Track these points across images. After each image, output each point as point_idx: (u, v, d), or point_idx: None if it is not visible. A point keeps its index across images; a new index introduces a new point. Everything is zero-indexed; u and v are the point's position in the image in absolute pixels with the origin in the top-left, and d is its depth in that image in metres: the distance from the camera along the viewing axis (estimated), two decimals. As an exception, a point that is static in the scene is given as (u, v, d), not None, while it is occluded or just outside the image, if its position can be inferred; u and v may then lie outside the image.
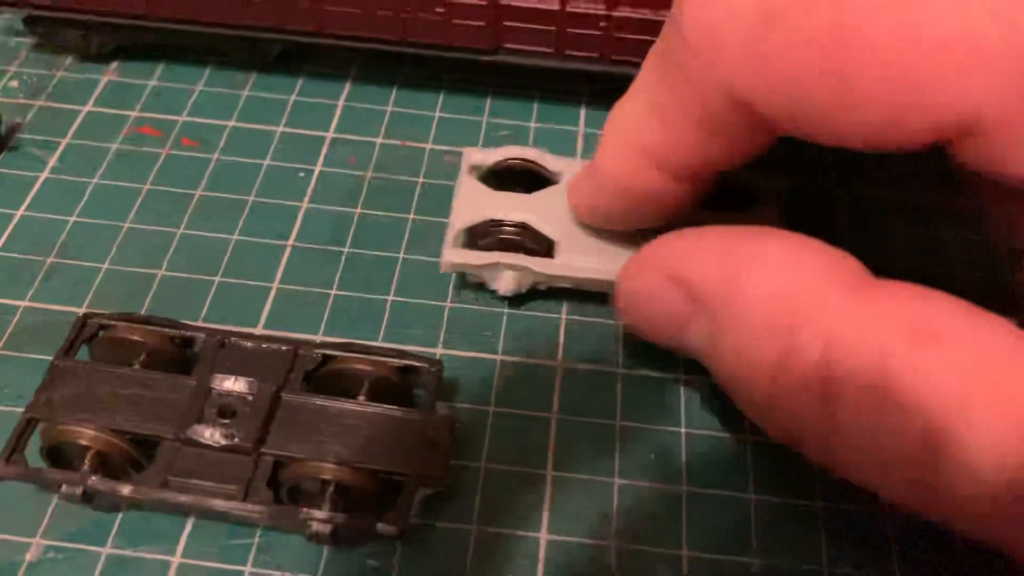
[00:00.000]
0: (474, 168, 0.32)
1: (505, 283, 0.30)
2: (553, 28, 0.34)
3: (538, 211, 0.31)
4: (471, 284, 0.31)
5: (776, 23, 0.20)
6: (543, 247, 0.30)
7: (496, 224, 0.31)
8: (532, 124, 0.37)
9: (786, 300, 0.22)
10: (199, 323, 0.30)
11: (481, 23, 0.34)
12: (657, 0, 0.33)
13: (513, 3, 0.34)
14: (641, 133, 0.25)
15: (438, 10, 0.34)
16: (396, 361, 0.27)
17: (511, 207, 0.31)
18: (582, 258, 0.30)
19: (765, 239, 0.23)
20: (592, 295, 0.30)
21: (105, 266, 0.31)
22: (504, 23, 0.34)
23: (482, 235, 0.31)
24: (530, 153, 0.32)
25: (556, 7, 0.34)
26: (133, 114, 0.36)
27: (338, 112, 0.37)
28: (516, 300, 0.31)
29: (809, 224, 0.25)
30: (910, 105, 0.19)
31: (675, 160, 0.25)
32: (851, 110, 0.20)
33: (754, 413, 0.24)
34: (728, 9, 0.21)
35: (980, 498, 0.19)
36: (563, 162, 0.32)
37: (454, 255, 0.30)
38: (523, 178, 0.32)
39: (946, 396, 0.19)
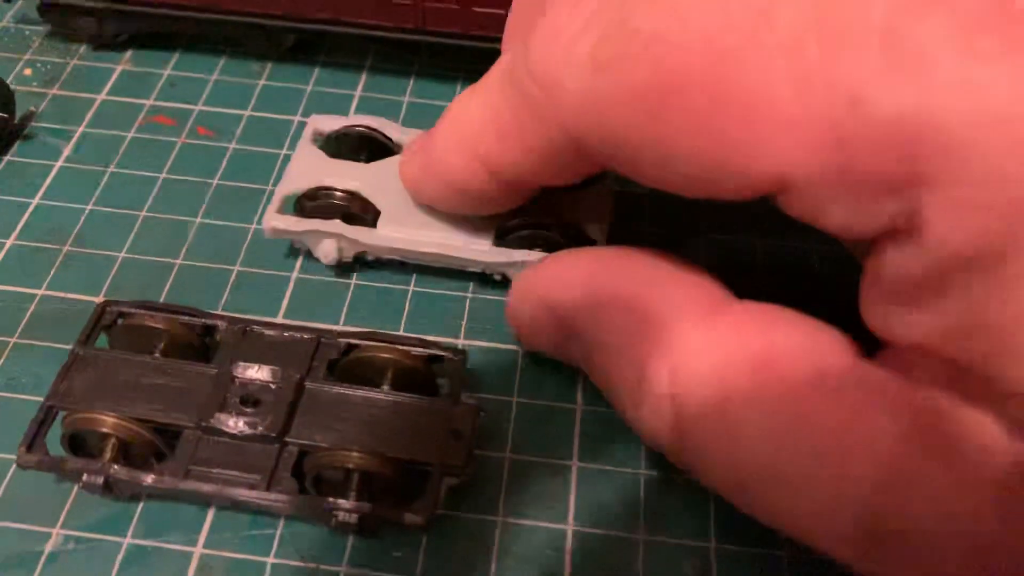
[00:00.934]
0: (317, 135, 0.32)
1: (325, 251, 0.30)
2: (573, 17, 0.34)
3: (370, 180, 0.30)
4: (300, 252, 0.31)
5: (604, 74, 0.21)
6: (372, 217, 0.30)
7: (326, 191, 0.30)
8: (550, 114, 0.37)
9: (638, 332, 0.23)
10: (219, 312, 0.29)
11: (500, 11, 0.34)
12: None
13: (533, -9, 0.33)
14: (480, 139, 0.26)
15: (457, -5, 0.34)
16: (420, 350, 0.27)
17: (343, 175, 0.31)
18: (403, 229, 0.29)
19: (623, 267, 0.24)
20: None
21: (122, 255, 0.31)
22: (524, 11, 0.34)
23: (312, 202, 0.30)
24: (373, 121, 0.32)
25: (577, -5, 0.33)
26: (148, 103, 0.36)
27: (355, 102, 0.37)
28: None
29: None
30: (720, 165, 0.20)
31: (507, 173, 0.26)
32: (668, 163, 0.21)
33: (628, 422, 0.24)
34: (567, 55, 0.22)
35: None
36: (406, 132, 0.32)
37: (274, 219, 0.30)
38: (369, 148, 0.32)
39: (778, 431, 0.20)
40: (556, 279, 0.26)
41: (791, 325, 0.22)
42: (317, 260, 0.31)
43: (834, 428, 0.20)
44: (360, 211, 0.30)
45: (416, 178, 0.29)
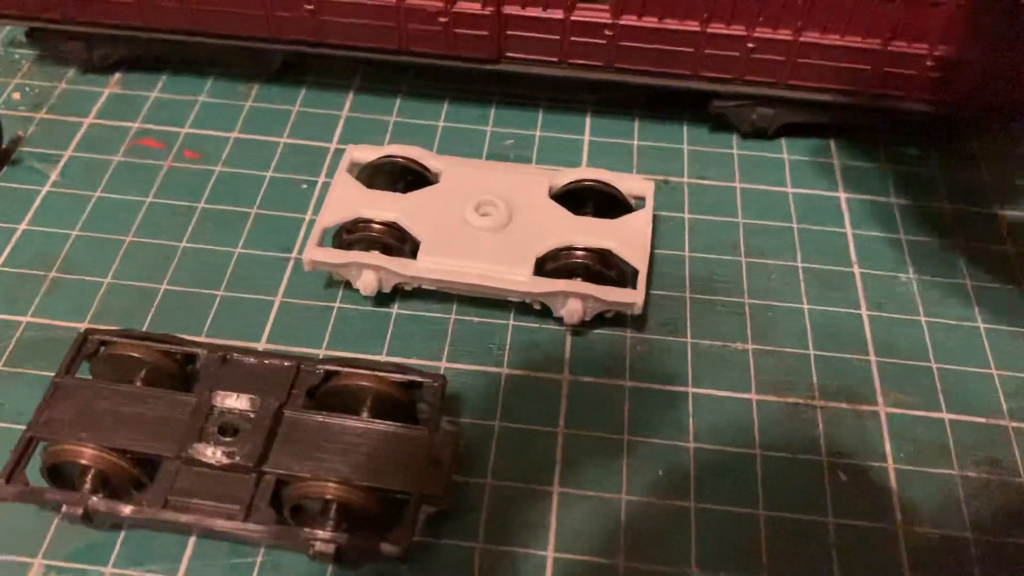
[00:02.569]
0: (354, 165, 0.32)
1: (365, 283, 0.30)
2: (557, 37, 0.34)
3: (409, 211, 0.30)
4: (338, 283, 0.31)
5: None
6: (411, 248, 0.30)
7: (365, 223, 0.30)
8: (537, 133, 0.37)
9: None
10: (201, 338, 0.29)
11: (484, 33, 0.34)
12: (662, 8, 0.33)
13: (517, 12, 0.33)
14: None
15: (441, 20, 0.34)
16: (399, 377, 0.27)
17: (382, 206, 0.31)
18: (443, 260, 0.29)
19: None
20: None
21: (107, 280, 0.31)
22: (507, 32, 0.34)
23: (351, 234, 0.30)
24: (412, 152, 0.32)
25: (560, 16, 0.33)
26: (135, 126, 0.36)
27: (341, 123, 0.37)
28: (522, 312, 0.30)
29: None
30: None
31: None
32: None
33: None
34: None
35: None
36: (444, 161, 0.32)
37: (314, 253, 0.30)
38: (407, 178, 0.32)
39: None
40: None
41: None
42: (302, 283, 0.31)
43: None
44: (399, 242, 0.30)
45: None
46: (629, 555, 0.25)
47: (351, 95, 0.38)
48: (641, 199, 0.32)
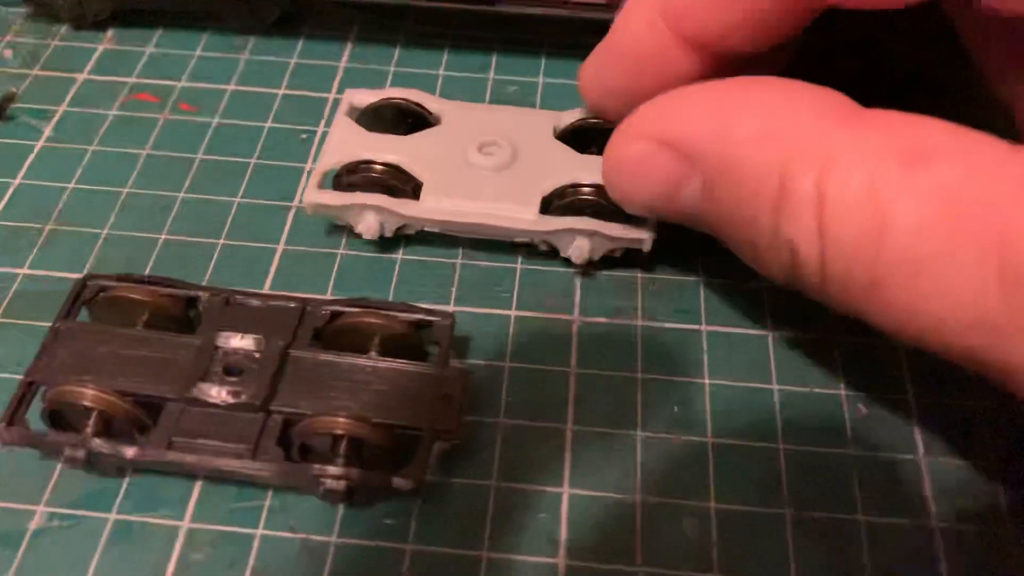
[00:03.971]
0: (353, 109, 0.32)
1: (367, 226, 0.29)
2: (560, -24, 0.33)
3: (410, 152, 0.30)
4: (340, 230, 0.30)
5: None
6: (413, 190, 0.29)
7: (366, 165, 0.30)
8: (540, 79, 0.36)
9: (777, 137, 0.21)
10: (202, 284, 0.29)
11: (486, -27, 0.33)
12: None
13: (517, -49, 0.33)
14: None
15: (440, -40, 0.33)
16: (407, 315, 0.26)
17: (383, 148, 0.30)
18: (447, 200, 0.29)
19: (750, 86, 0.23)
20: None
21: (105, 231, 0.30)
22: (508, -28, 0.33)
23: (352, 175, 0.30)
24: (411, 94, 0.32)
25: (563, -47, 0.33)
26: (130, 80, 0.36)
27: (339, 73, 0.36)
28: (529, 255, 0.30)
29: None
30: None
31: (690, 21, 0.25)
32: None
33: (758, 259, 0.23)
34: None
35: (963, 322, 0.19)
36: (445, 103, 0.31)
37: (315, 196, 0.29)
38: (407, 120, 0.32)
39: (931, 219, 0.19)
40: (675, 111, 0.24)
41: (942, 124, 0.20)
42: (304, 231, 0.30)
43: (991, 216, 0.19)
44: (401, 184, 0.29)
45: (592, 67, 0.28)
46: (646, 490, 0.25)
47: (349, 46, 0.37)
48: None
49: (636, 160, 0.25)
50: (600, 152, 0.30)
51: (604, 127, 0.31)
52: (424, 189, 0.29)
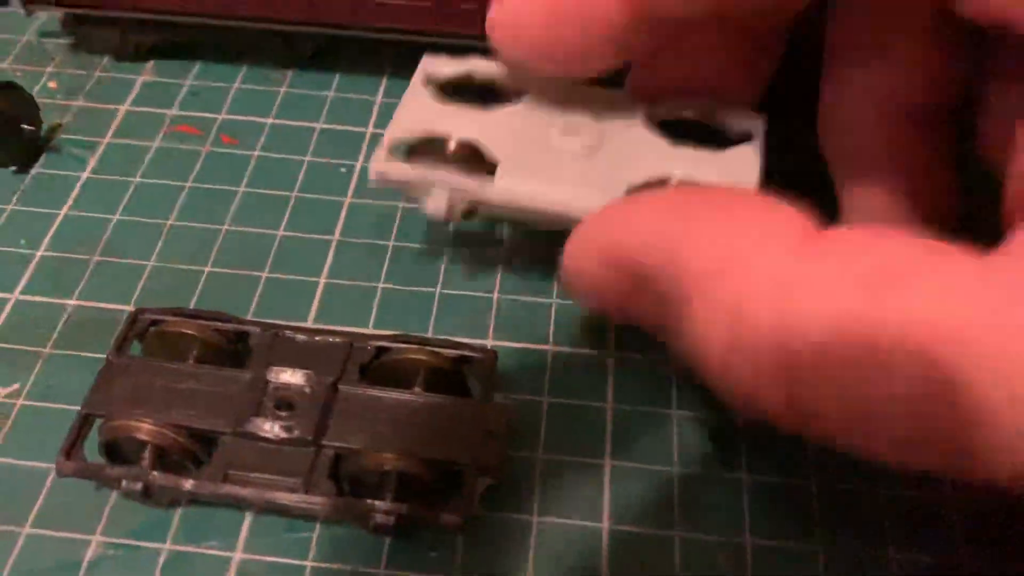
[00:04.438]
0: (430, 79, 0.30)
1: (435, 204, 0.27)
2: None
3: (487, 129, 0.28)
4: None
5: None
6: (488, 169, 0.27)
7: (438, 139, 0.28)
8: (571, 115, 0.37)
9: (728, 273, 0.20)
10: (250, 318, 0.29)
11: (520, 14, 0.34)
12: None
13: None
14: None
15: None
16: (450, 351, 0.27)
17: (459, 121, 0.28)
18: (524, 183, 0.27)
19: (699, 207, 0.22)
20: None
21: (151, 263, 0.31)
22: (544, 13, 0.34)
23: (424, 150, 0.28)
24: (492, 66, 0.30)
25: None
26: (171, 113, 0.36)
27: (376, 108, 0.37)
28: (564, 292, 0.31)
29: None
30: None
31: None
32: None
33: (717, 387, 0.22)
34: None
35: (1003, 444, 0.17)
36: (531, 81, 0.29)
37: (382, 165, 0.27)
38: (485, 95, 0.30)
39: (930, 332, 0.17)
40: (624, 223, 0.23)
41: (904, 239, 0.19)
42: (345, 264, 0.31)
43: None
44: (476, 161, 0.27)
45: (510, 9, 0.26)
46: (682, 526, 0.26)
47: (384, 80, 0.38)
48: (747, 135, 0.29)
49: (591, 272, 0.24)
50: (695, 146, 0.28)
51: (700, 121, 0.29)
52: (500, 168, 0.27)
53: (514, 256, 0.32)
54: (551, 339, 0.30)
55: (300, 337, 0.27)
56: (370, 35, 0.35)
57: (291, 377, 0.26)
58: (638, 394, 0.28)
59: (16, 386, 0.28)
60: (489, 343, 0.29)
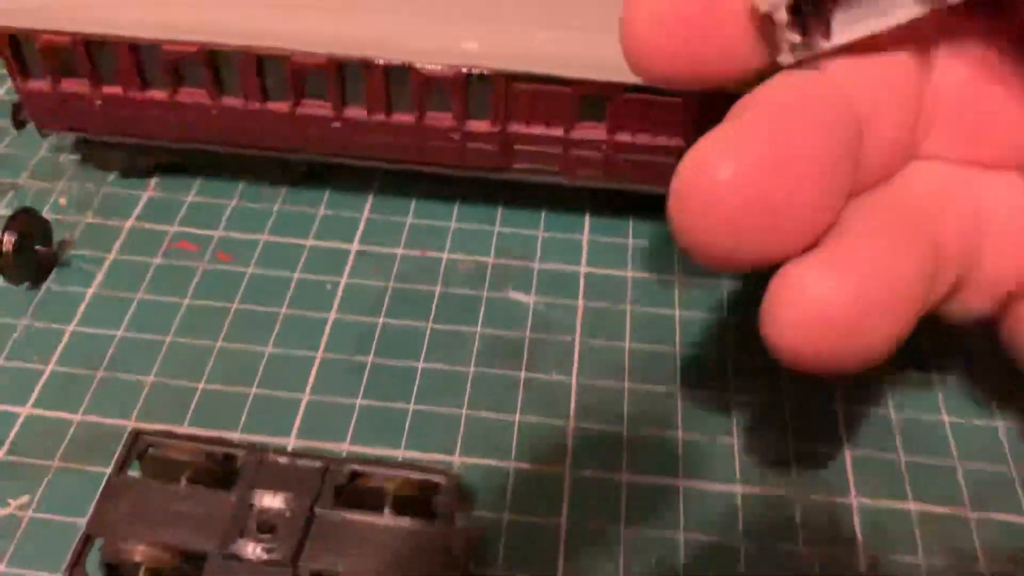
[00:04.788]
0: None
1: None
2: (559, 151, 0.37)
3: None
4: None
5: None
6: None
7: None
8: (541, 233, 0.40)
9: None
10: (238, 434, 0.32)
11: (492, 147, 0.37)
12: (655, 127, 0.36)
13: (521, 130, 0.37)
14: None
15: (453, 137, 0.37)
16: (415, 475, 0.30)
17: None
18: None
19: None
20: (605, 407, 0.33)
21: (151, 379, 0.34)
22: (514, 147, 0.37)
23: None
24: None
25: (560, 133, 0.37)
26: (172, 229, 0.40)
27: (362, 225, 0.40)
28: (528, 408, 0.33)
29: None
30: None
31: None
32: None
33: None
34: None
35: None
36: None
37: None
38: None
39: None
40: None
41: None
42: (327, 380, 0.34)
43: None
44: None
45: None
46: (626, 638, 0.28)
47: (371, 197, 0.41)
48: None
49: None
50: None
51: None
52: None
53: (483, 373, 0.35)
54: (513, 455, 0.32)
55: (282, 460, 0.30)
56: (357, 163, 0.39)
57: (272, 500, 0.29)
58: (590, 512, 0.31)
59: (26, 498, 0.31)
60: (456, 459, 0.32)
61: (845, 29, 0.24)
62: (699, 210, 0.21)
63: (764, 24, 0.24)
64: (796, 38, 0.24)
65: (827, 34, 0.24)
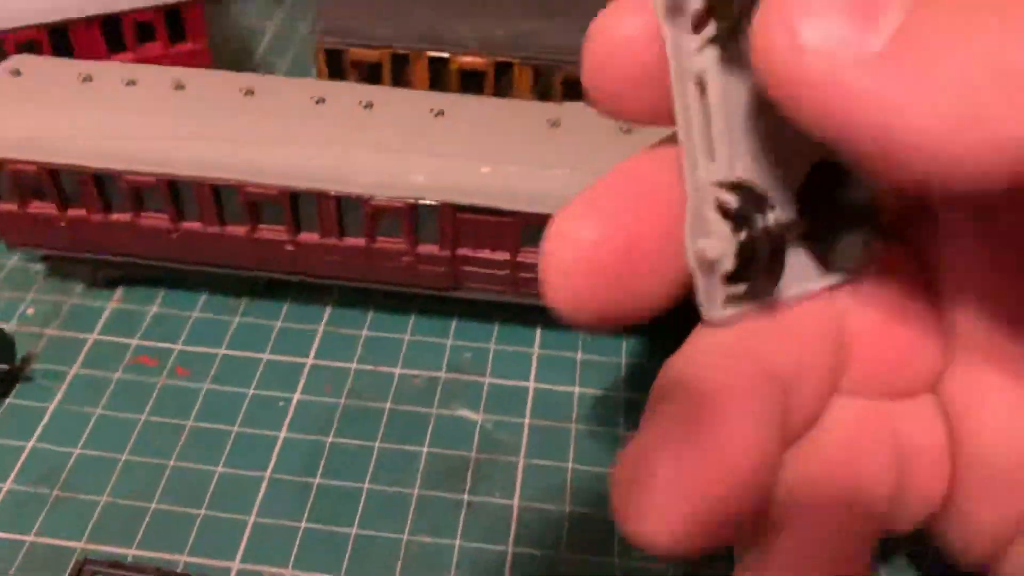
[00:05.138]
0: None
1: None
2: (506, 272, 0.38)
3: None
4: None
5: None
6: None
7: None
8: (492, 346, 0.41)
9: None
10: (184, 558, 0.33)
11: (442, 269, 0.39)
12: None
13: (469, 253, 0.38)
14: None
15: (404, 259, 0.38)
16: (351, 610, 0.31)
17: None
18: None
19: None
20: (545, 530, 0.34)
21: (103, 499, 0.35)
22: (463, 268, 0.39)
23: None
24: None
25: (507, 257, 0.38)
26: (134, 342, 0.41)
27: (318, 337, 0.41)
28: (469, 533, 0.34)
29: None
30: None
31: None
32: None
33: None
34: None
35: None
36: None
37: None
38: None
39: None
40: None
41: None
42: (273, 502, 0.35)
43: None
44: None
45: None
46: None
47: (329, 309, 0.42)
48: None
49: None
50: None
51: None
52: None
53: (426, 496, 0.36)
54: (451, 581, 0.33)
55: (221, 592, 0.31)
56: (314, 280, 0.40)
57: (208, 636, 0.30)
58: (521, 642, 0.32)
59: (-27, 623, 0.32)
60: (395, 585, 0.33)
61: (793, 284, 0.23)
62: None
63: (702, 269, 0.22)
64: (739, 289, 0.22)
65: (772, 289, 0.22)
